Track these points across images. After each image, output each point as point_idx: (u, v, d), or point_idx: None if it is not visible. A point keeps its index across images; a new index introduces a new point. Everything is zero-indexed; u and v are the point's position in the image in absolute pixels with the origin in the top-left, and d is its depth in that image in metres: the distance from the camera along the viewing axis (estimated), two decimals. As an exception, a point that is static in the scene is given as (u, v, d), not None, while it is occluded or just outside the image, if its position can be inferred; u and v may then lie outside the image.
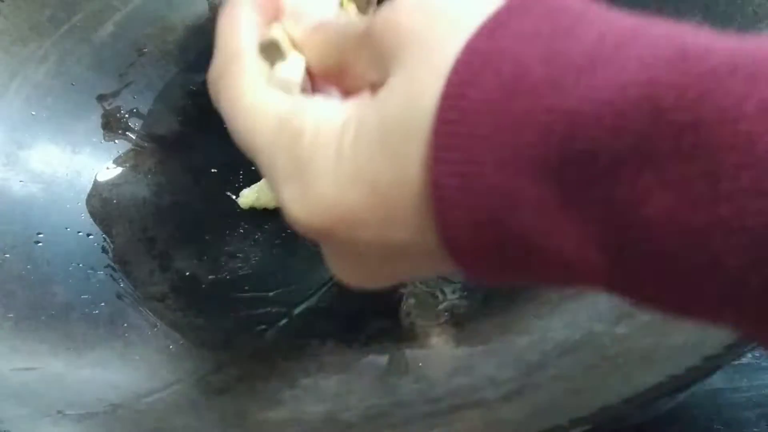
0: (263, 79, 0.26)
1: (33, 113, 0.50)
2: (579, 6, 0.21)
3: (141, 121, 0.51)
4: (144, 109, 0.52)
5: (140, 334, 0.42)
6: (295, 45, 0.27)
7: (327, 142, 0.23)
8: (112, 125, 0.51)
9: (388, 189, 0.22)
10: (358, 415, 0.38)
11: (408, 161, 0.21)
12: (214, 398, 0.40)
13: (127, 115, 0.51)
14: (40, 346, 0.41)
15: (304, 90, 0.26)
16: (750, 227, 0.17)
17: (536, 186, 0.19)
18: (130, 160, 0.50)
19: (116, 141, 0.51)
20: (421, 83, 0.21)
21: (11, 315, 0.42)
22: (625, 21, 0.20)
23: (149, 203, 0.48)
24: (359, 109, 0.23)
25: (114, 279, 0.45)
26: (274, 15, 0.27)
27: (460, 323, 0.42)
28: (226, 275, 0.45)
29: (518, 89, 0.19)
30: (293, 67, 0.26)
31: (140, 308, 0.44)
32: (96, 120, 0.51)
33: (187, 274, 0.45)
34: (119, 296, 0.44)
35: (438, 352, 0.41)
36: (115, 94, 0.52)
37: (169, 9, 0.55)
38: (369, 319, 0.42)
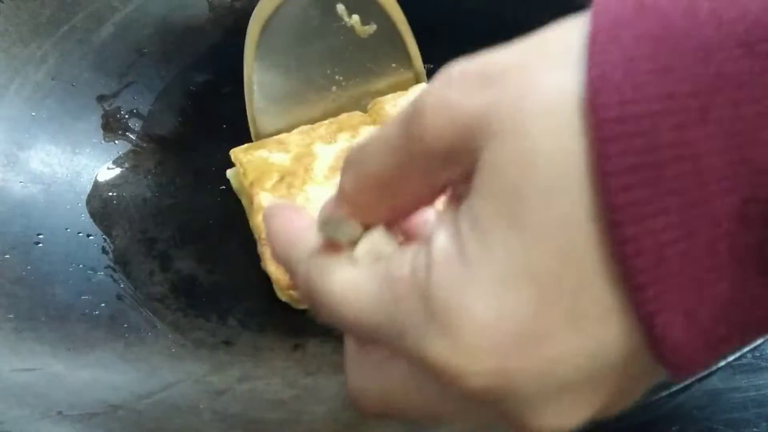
0: (344, 260, 0.21)
1: (33, 114, 0.50)
2: None
3: (141, 122, 0.51)
4: (144, 109, 0.52)
5: (140, 335, 0.42)
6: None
7: (445, 264, 0.18)
8: (112, 125, 0.51)
9: (556, 274, 0.17)
10: (357, 415, 0.38)
11: (569, 225, 0.17)
12: (214, 398, 0.40)
13: (127, 116, 0.51)
14: (40, 346, 0.41)
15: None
16: None
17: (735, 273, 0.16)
18: (130, 161, 0.50)
19: (116, 141, 0.51)
20: (536, 139, 0.17)
21: (11, 316, 0.42)
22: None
23: (149, 203, 0.48)
24: (461, 213, 0.19)
25: (114, 280, 0.45)
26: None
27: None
28: (226, 275, 0.45)
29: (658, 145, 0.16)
30: (374, 236, 0.22)
31: (140, 309, 0.44)
32: (96, 120, 0.51)
33: (187, 274, 0.45)
34: (119, 297, 0.44)
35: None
36: (115, 95, 0.52)
37: (169, 9, 0.55)
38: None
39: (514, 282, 0.17)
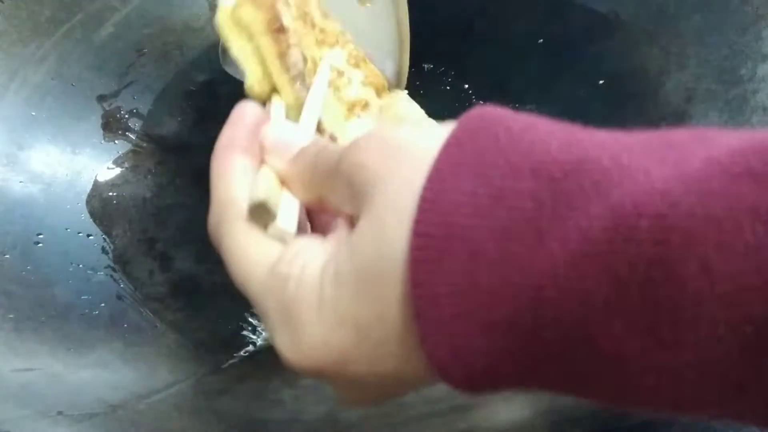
0: (258, 228, 0.27)
1: (33, 114, 0.50)
2: (511, 150, 0.22)
3: (141, 122, 0.51)
4: (144, 109, 0.52)
5: (140, 335, 0.42)
6: (283, 182, 0.28)
7: (310, 287, 0.25)
8: (112, 125, 0.51)
9: (371, 329, 0.24)
10: (358, 415, 0.38)
11: (386, 302, 0.23)
12: (214, 398, 0.40)
13: (127, 116, 0.51)
14: (40, 346, 0.41)
15: (300, 225, 0.27)
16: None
17: (510, 347, 0.21)
18: (130, 161, 0.50)
19: (116, 141, 0.51)
20: (388, 230, 0.23)
21: (11, 316, 0.42)
22: (562, 157, 0.21)
23: (149, 203, 0.48)
24: (336, 253, 0.25)
25: (114, 279, 0.45)
26: (262, 155, 0.29)
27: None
28: (226, 275, 0.45)
29: (477, 269, 0.21)
30: (286, 219, 0.27)
31: (140, 309, 0.44)
32: (96, 120, 0.51)
33: (187, 274, 0.45)
34: (119, 297, 0.44)
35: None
36: (115, 95, 0.52)
37: (169, 9, 0.55)
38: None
39: (344, 324, 0.24)
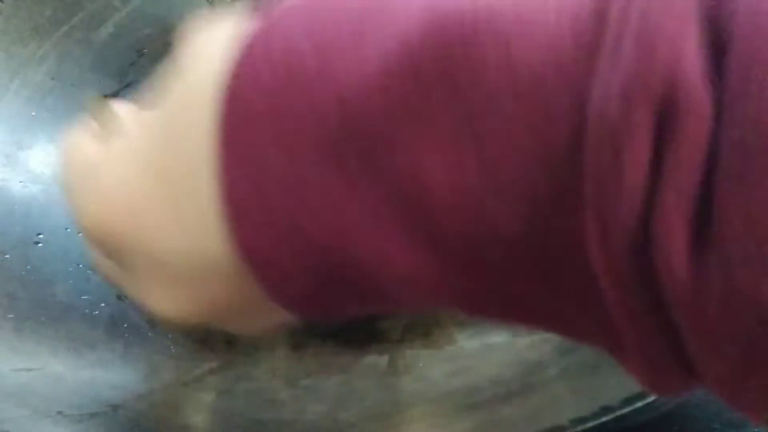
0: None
1: (33, 114, 0.50)
2: None
3: (141, 122, 0.51)
4: (144, 109, 0.52)
5: (140, 335, 0.42)
6: None
7: (118, 145, 0.23)
8: (112, 125, 0.51)
9: (178, 180, 0.20)
10: (358, 415, 0.38)
11: (196, 151, 0.20)
12: (214, 398, 0.40)
13: (127, 116, 0.52)
14: (40, 346, 0.41)
15: None
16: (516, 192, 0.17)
17: (320, 169, 0.19)
18: (130, 161, 0.50)
19: (116, 141, 0.51)
20: (199, 73, 0.21)
21: (11, 316, 0.42)
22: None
23: (149, 203, 0.48)
24: (148, 110, 0.23)
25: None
26: None
27: (460, 323, 0.42)
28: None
29: (291, 78, 0.19)
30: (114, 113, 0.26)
31: (140, 309, 0.44)
32: (96, 120, 0.51)
33: (187, 274, 0.45)
34: (119, 297, 0.44)
35: (438, 352, 0.41)
36: (115, 95, 0.52)
37: (169, 9, 0.55)
38: (369, 319, 0.42)
39: (148, 177, 0.21)
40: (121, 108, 0.26)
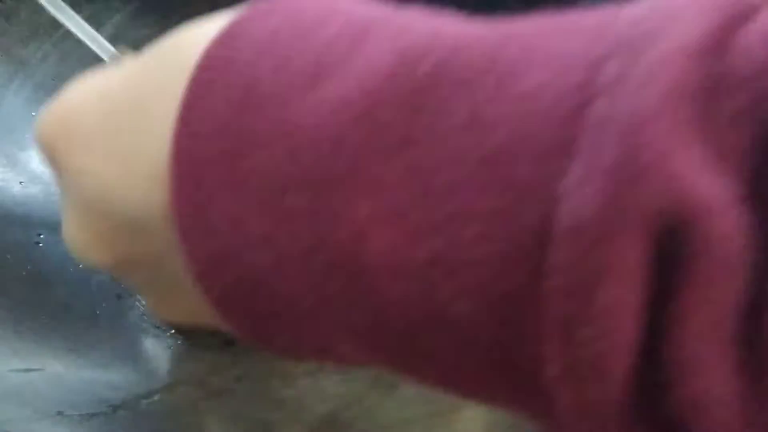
0: None
1: (33, 114, 0.50)
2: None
3: (141, 122, 0.51)
4: (144, 109, 0.52)
5: (140, 335, 0.42)
6: None
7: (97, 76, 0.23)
8: (112, 125, 0.51)
9: (128, 128, 0.20)
10: (358, 415, 0.38)
11: (156, 116, 0.20)
12: (214, 399, 0.40)
13: (127, 116, 0.51)
14: (40, 347, 0.41)
15: None
16: (468, 260, 0.15)
17: (261, 213, 0.18)
18: (130, 161, 0.50)
19: (116, 141, 0.51)
20: (169, 71, 0.21)
21: (11, 316, 0.42)
22: (372, 11, 0.19)
23: (149, 203, 0.48)
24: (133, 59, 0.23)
25: (114, 279, 0.45)
26: None
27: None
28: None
29: (247, 104, 0.18)
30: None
31: (140, 309, 0.44)
32: (96, 120, 0.51)
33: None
34: (119, 297, 0.44)
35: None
36: (115, 95, 0.52)
37: (169, 9, 0.55)
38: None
39: (102, 97, 0.22)
40: None
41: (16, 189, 0.47)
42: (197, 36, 0.21)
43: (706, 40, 0.14)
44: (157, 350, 0.42)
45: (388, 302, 0.16)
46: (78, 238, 0.24)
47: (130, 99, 0.21)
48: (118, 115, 0.21)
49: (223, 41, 0.20)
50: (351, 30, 0.18)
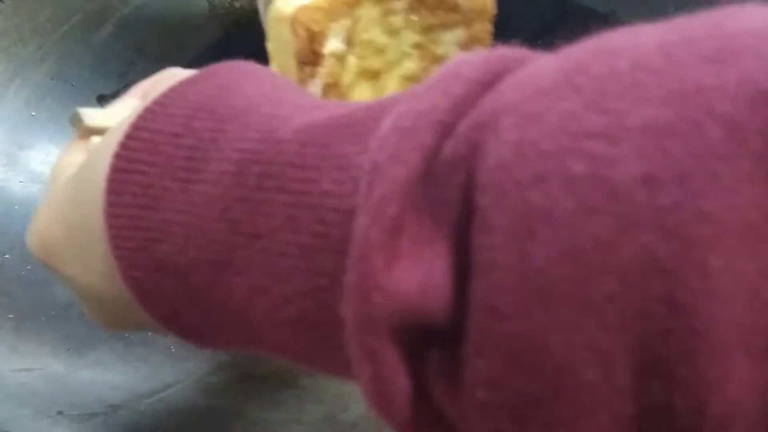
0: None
1: (33, 114, 0.50)
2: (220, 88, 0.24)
3: (141, 122, 0.51)
4: (144, 109, 0.52)
5: (140, 335, 0.42)
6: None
7: (54, 180, 0.28)
8: (112, 125, 0.51)
9: (77, 232, 0.26)
10: (358, 415, 0.38)
11: (90, 209, 0.25)
12: (214, 398, 0.40)
13: (127, 116, 0.51)
14: (40, 346, 0.41)
15: None
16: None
17: (179, 287, 0.23)
18: (130, 161, 0.50)
19: (116, 141, 0.51)
20: (106, 140, 0.25)
21: (11, 316, 0.42)
22: (240, 101, 0.24)
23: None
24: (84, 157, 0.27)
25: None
26: None
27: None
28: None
29: (146, 205, 0.23)
30: (89, 114, 0.32)
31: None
32: (96, 120, 0.51)
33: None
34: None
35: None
36: (115, 94, 0.52)
37: (169, 9, 0.55)
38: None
39: (58, 221, 0.27)
40: (95, 117, 0.32)
41: (16, 189, 0.47)
42: (103, 159, 0.25)
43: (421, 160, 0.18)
44: (157, 350, 0.42)
45: (266, 340, 0.23)
46: (93, 317, 0.30)
47: (76, 217, 0.26)
48: (72, 231, 0.26)
49: (121, 155, 0.24)
50: (208, 134, 0.23)
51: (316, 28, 0.38)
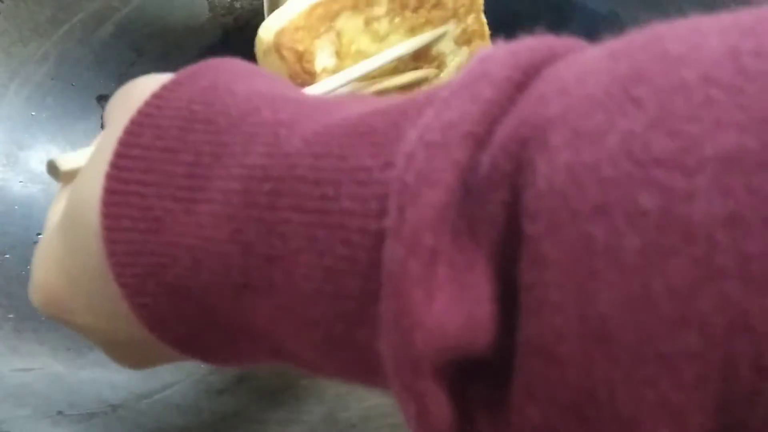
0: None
1: (33, 113, 0.50)
2: (212, 100, 0.23)
3: (141, 122, 0.51)
4: (144, 109, 0.52)
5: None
6: None
7: (47, 230, 0.27)
8: (112, 125, 0.51)
9: (80, 279, 0.24)
10: (358, 415, 0.38)
11: (87, 251, 0.23)
12: (214, 398, 0.40)
13: (127, 116, 0.51)
14: (40, 346, 0.41)
15: None
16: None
17: (195, 312, 0.22)
18: (130, 161, 0.50)
19: (116, 141, 0.51)
20: (88, 175, 0.24)
21: (11, 316, 0.42)
22: (235, 106, 0.22)
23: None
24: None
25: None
26: None
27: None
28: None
29: (148, 229, 0.22)
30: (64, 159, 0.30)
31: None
32: (96, 120, 0.51)
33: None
34: (119, 296, 0.44)
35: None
36: (115, 95, 0.52)
37: (169, 9, 0.55)
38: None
39: (58, 273, 0.25)
40: (70, 161, 0.30)
41: (16, 189, 0.47)
42: (89, 187, 0.23)
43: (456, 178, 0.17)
44: (157, 350, 0.42)
45: (296, 356, 0.22)
46: (114, 359, 0.29)
47: (73, 264, 0.24)
48: (73, 280, 0.25)
49: (113, 176, 0.22)
50: (207, 148, 0.22)
51: (300, 47, 0.38)
